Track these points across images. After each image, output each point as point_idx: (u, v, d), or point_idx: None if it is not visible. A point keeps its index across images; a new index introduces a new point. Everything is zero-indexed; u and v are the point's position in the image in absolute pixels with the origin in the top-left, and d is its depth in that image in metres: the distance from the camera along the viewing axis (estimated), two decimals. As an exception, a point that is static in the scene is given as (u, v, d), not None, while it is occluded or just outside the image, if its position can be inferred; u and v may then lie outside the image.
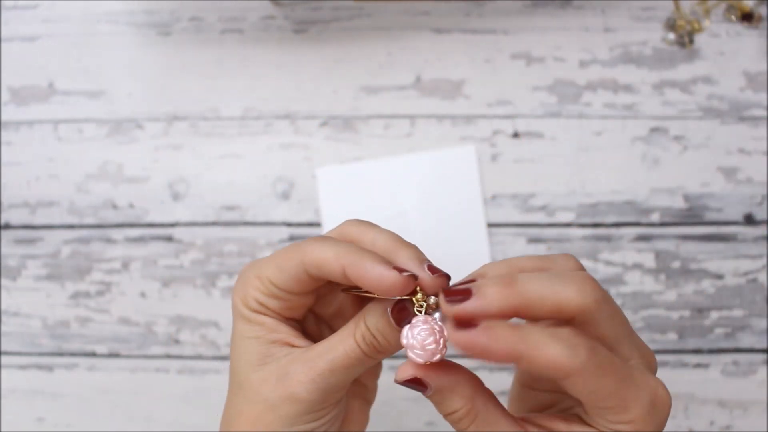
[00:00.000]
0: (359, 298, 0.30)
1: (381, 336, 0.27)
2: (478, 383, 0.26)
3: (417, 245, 0.28)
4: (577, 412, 0.27)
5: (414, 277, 0.25)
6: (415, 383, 0.26)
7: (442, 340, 0.25)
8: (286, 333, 0.28)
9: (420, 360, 0.25)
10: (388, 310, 0.26)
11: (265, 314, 0.28)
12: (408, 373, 0.26)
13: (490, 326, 0.22)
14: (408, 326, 0.25)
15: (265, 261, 0.28)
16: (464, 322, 0.23)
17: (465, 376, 0.26)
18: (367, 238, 0.28)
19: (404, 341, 0.25)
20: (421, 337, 0.25)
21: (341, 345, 0.27)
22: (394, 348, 0.27)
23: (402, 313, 0.26)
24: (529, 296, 0.24)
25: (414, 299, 0.26)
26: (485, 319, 0.23)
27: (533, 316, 0.24)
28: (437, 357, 0.25)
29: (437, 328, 0.25)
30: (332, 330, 0.31)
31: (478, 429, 0.26)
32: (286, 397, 0.27)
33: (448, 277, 0.26)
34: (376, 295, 0.26)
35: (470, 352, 0.22)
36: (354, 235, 0.29)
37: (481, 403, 0.26)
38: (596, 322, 0.25)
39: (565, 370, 0.22)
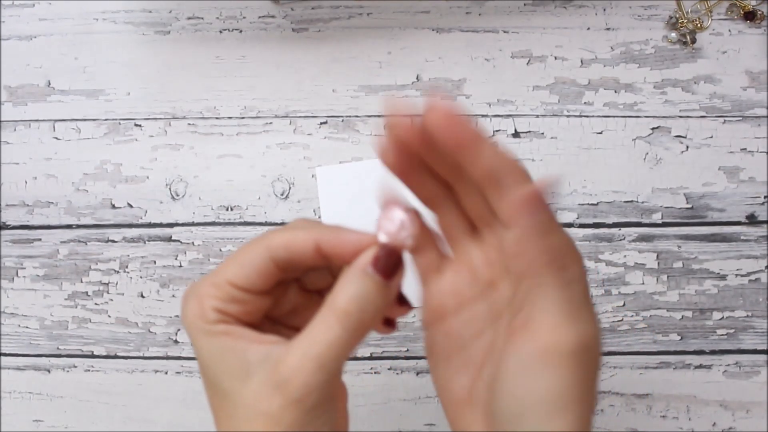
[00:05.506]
0: (312, 294, 0.30)
1: (363, 303, 0.25)
2: None
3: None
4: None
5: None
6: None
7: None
8: (254, 335, 0.27)
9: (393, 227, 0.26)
10: (369, 268, 0.25)
11: (226, 323, 0.27)
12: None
13: None
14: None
15: (219, 267, 0.27)
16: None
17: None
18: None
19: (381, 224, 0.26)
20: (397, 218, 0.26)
21: (324, 335, 0.25)
22: (379, 313, 0.26)
23: (390, 260, 0.25)
24: None
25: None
26: None
27: None
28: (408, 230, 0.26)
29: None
30: (289, 329, 0.30)
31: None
32: (287, 405, 0.25)
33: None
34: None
35: (436, 118, 0.24)
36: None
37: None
38: None
39: (514, 161, 0.25)
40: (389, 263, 0.25)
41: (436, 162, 0.27)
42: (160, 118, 0.51)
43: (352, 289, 0.25)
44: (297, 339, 0.26)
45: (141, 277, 0.50)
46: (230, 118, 0.51)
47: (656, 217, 0.50)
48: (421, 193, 0.29)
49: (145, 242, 0.50)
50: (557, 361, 0.24)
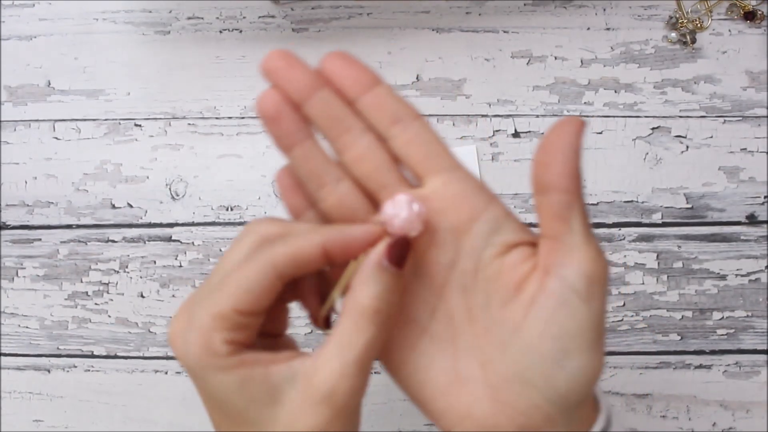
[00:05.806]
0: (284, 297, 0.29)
1: (389, 297, 0.25)
2: None
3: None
4: None
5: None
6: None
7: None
8: (268, 357, 0.25)
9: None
10: (384, 261, 0.25)
11: (238, 352, 0.25)
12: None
13: None
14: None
15: (216, 296, 0.25)
16: None
17: None
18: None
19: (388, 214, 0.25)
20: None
21: (359, 338, 0.24)
22: (399, 304, 0.26)
23: (402, 249, 0.25)
24: None
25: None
26: None
27: None
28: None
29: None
30: (266, 333, 0.28)
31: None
32: (336, 415, 0.24)
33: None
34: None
35: (335, 61, 0.28)
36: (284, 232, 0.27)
37: None
38: None
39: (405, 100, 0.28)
40: (401, 252, 0.25)
41: (322, 114, 0.27)
42: (160, 118, 0.51)
43: (374, 287, 0.25)
44: (326, 348, 0.25)
45: (141, 277, 0.50)
46: (230, 118, 0.51)
47: (656, 217, 0.50)
48: (307, 164, 0.27)
49: (145, 242, 0.50)
50: (598, 290, 0.24)
